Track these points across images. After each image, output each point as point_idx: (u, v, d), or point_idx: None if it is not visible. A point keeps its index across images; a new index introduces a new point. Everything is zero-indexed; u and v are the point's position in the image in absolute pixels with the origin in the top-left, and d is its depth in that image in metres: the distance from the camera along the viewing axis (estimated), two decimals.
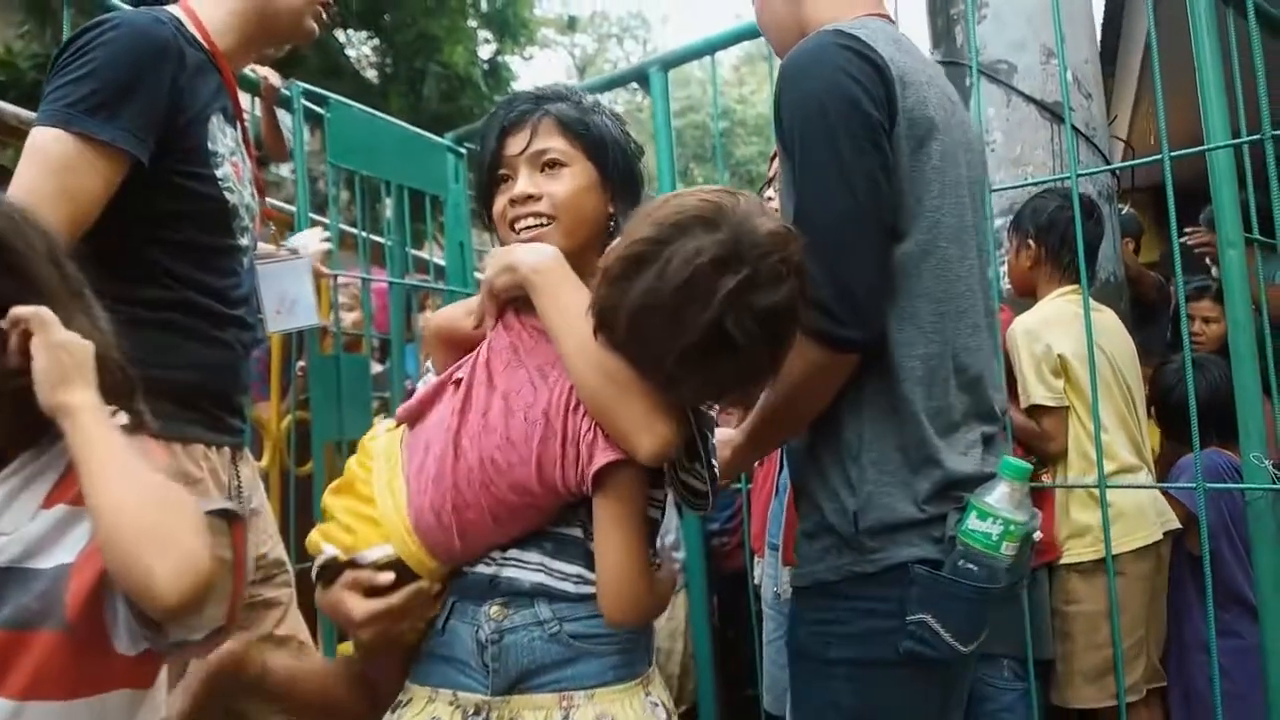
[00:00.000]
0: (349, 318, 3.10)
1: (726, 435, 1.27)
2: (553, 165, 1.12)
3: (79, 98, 1.20)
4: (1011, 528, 1.04)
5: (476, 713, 1.03)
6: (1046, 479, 2.17)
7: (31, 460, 0.93)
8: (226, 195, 1.37)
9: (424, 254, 4.02)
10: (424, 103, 8.35)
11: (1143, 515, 2.13)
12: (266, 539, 1.53)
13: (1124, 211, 3.26)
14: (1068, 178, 1.80)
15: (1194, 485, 1.66)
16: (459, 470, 1.04)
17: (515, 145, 1.13)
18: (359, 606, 1.05)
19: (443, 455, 1.06)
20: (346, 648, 1.23)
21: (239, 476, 1.45)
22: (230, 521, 0.95)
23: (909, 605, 1.08)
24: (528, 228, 1.11)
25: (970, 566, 1.05)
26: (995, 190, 2.10)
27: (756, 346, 0.94)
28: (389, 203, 2.91)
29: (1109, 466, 2.08)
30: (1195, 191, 1.77)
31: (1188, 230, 2.77)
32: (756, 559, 2.19)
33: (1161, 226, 1.69)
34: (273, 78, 2.56)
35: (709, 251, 0.92)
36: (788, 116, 1.13)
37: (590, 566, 1.03)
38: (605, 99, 1.42)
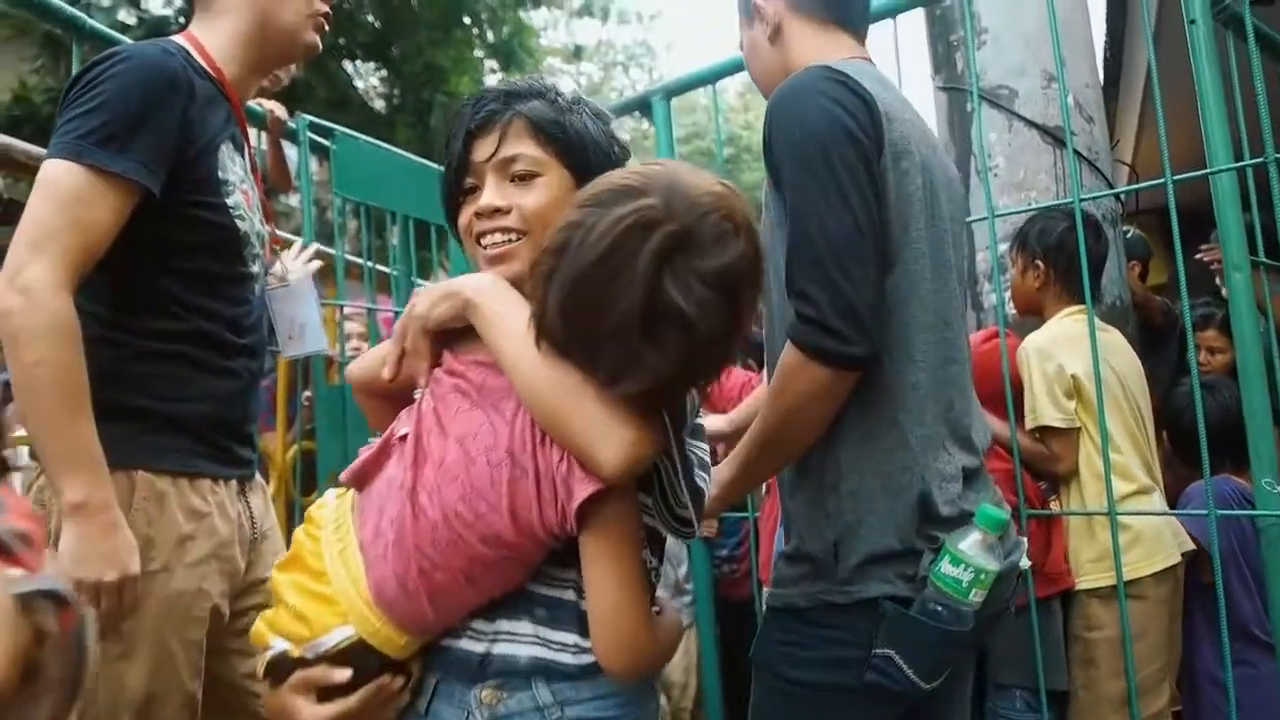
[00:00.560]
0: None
1: (715, 424, 1.25)
2: (524, 177, 0.99)
3: (90, 130, 1.20)
4: (982, 576, 1.06)
5: None
6: (1055, 505, 2.14)
7: None
8: (238, 223, 1.38)
9: (430, 283, 4.03)
10: (431, 133, 8.43)
11: (1160, 538, 2.09)
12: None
13: (1130, 234, 3.24)
14: (1070, 202, 1.80)
15: (1205, 513, 1.65)
16: (420, 530, 0.91)
17: (482, 151, 1.00)
18: (310, 712, 0.92)
19: (400, 516, 0.92)
20: None
21: (249, 507, 1.45)
22: (58, 605, 0.76)
23: (876, 639, 1.09)
24: (495, 243, 0.99)
25: (938, 609, 1.07)
26: (999, 215, 2.10)
27: (712, 318, 0.81)
28: (395, 231, 2.93)
29: (1127, 487, 2.07)
30: (1201, 213, 1.77)
31: (1202, 247, 2.74)
32: (764, 588, 2.17)
33: (1169, 249, 1.69)
34: (279, 111, 2.58)
35: (630, 217, 0.81)
36: (780, 141, 1.14)
37: (586, 633, 0.92)
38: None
